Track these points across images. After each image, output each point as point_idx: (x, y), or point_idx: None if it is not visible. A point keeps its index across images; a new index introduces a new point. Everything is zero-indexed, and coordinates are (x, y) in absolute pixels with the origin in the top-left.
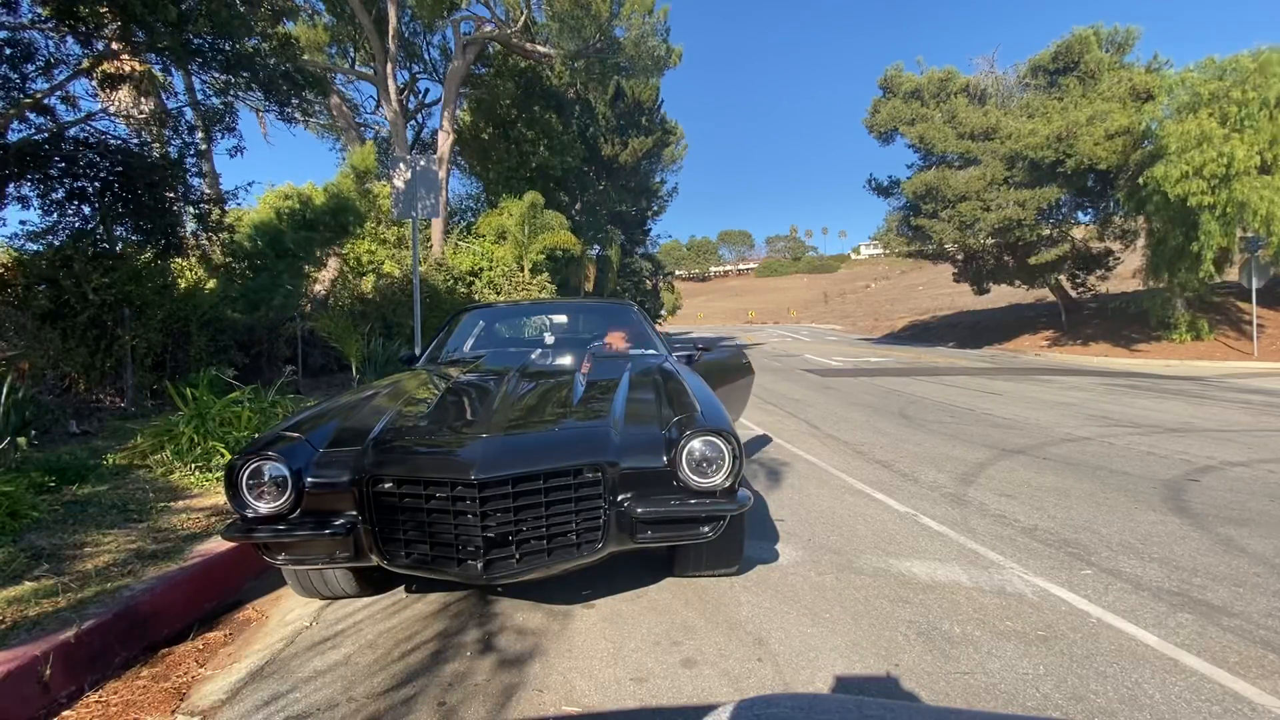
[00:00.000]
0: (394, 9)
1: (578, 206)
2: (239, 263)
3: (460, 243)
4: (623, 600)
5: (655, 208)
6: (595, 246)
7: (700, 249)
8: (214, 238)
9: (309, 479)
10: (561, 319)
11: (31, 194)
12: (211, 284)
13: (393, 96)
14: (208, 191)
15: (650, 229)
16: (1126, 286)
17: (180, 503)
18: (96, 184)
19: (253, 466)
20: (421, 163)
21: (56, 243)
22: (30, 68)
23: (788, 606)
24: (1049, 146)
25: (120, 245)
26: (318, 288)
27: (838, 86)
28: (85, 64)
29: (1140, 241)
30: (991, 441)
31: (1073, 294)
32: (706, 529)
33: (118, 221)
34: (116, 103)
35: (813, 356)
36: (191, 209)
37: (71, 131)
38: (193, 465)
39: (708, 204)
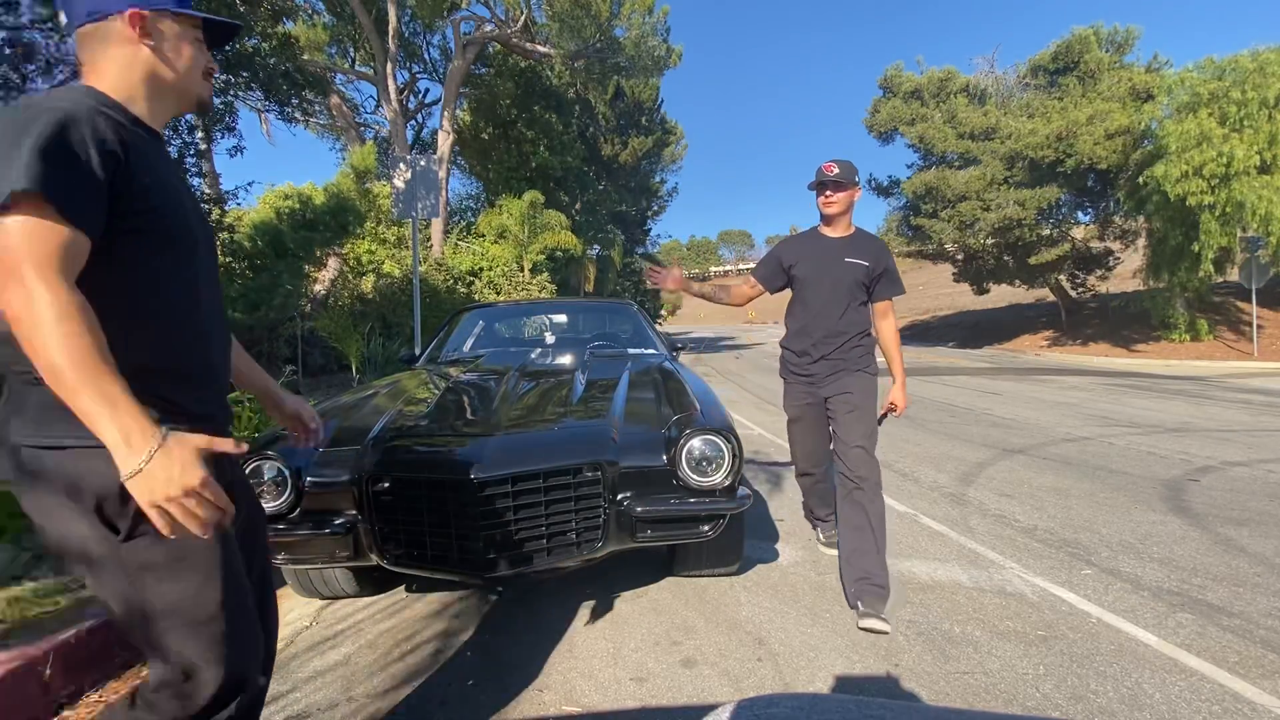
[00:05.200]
0: (394, 9)
1: (578, 206)
2: (239, 263)
3: (460, 242)
4: (623, 600)
5: (655, 207)
6: (595, 246)
7: (700, 249)
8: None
9: (308, 478)
10: (561, 319)
11: None
12: None
13: (393, 96)
14: (208, 191)
15: (650, 229)
16: (1126, 286)
17: None
18: None
19: (252, 466)
20: (421, 163)
21: None
22: (30, 67)
23: (788, 606)
24: (1049, 146)
25: None
26: (318, 287)
27: (837, 86)
28: None
29: (1140, 241)
30: (991, 441)
31: (1073, 294)
32: (706, 528)
33: None
34: None
35: None
36: None
37: None
38: None
39: (708, 203)
